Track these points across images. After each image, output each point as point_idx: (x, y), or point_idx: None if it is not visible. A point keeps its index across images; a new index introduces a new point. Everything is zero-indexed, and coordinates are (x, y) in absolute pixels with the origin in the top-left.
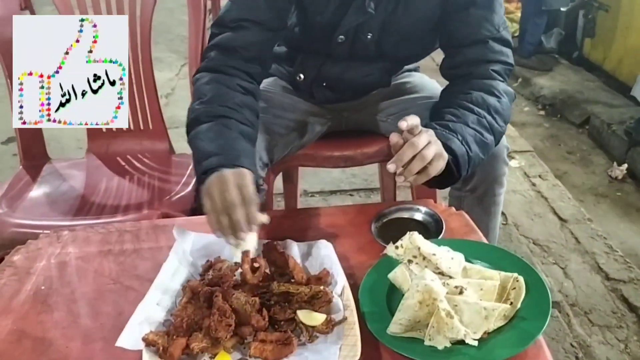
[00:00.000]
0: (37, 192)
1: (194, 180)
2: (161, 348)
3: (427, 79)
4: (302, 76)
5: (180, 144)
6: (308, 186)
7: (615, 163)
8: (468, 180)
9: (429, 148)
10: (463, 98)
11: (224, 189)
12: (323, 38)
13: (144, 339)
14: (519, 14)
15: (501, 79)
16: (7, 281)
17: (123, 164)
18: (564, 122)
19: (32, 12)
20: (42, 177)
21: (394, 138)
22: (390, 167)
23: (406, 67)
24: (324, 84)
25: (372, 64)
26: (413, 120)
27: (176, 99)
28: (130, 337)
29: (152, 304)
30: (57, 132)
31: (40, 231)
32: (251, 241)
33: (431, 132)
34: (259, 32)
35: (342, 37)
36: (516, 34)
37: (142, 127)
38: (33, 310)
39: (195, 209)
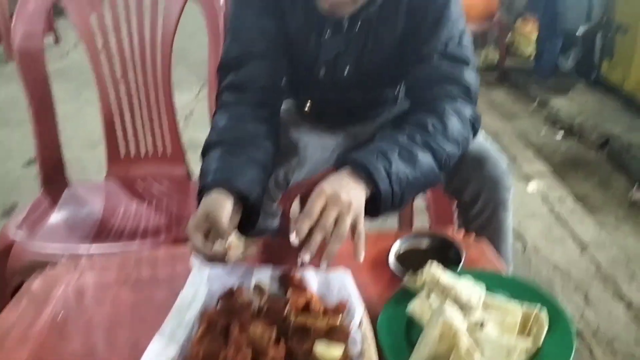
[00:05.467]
0: (56, 217)
1: None
2: None
3: None
4: (309, 104)
5: (199, 166)
6: None
7: (636, 186)
8: (470, 207)
9: (328, 213)
10: (399, 123)
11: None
12: (309, 72)
13: None
14: (535, 35)
15: (451, 100)
16: (24, 310)
17: (141, 188)
18: (583, 143)
19: (56, 35)
20: (62, 202)
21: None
22: (293, 241)
23: None
24: (331, 109)
25: (367, 85)
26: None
27: (195, 120)
28: None
29: (167, 336)
30: (78, 153)
31: (60, 255)
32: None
33: (324, 187)
34: (261, 63)
35: (322, 70)
36: (532, 56)
37: (160, 152)
38: (49, 340)
39: None
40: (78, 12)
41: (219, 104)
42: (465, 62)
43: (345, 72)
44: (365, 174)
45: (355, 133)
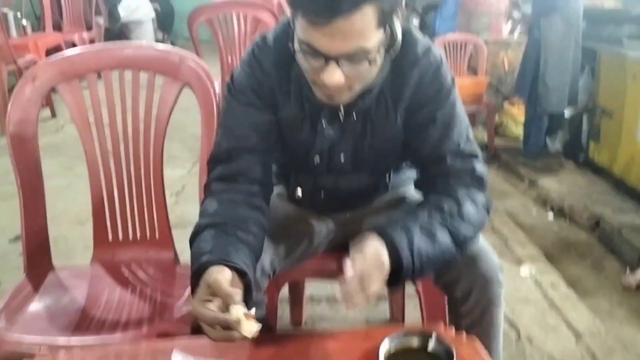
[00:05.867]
0: (37, 304)
1: None
2: None
3: None
4: (300, 191)
5: (188, 245)
6: (314, 290)
7: (628, 269)
8: (461, 304)
9: (371, 272)
10: (419, 205)
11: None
12: (303, 159)
13: None
14: (522, 117)
15: (465, 188)
16: None
17: (127, 274)
18: (574, 225)
19: (52, 109)
20: (45, 288)
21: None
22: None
23: (409, 175)
24: (322, 195)
25: (362, 172)
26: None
27: (186, 196)
28: None
29: None
30: (66, 230)
31: (38, 347)
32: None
33: (377, 244)
34: (252, 156)
35: (317, 158)
36: (521, 137)
37: (148, 236)
38: None
39: (197, 328)
40: (73, 95)
41: (208, 193)
42: (475, 155)
43: (341, 160)
44: (390, 248)
45: (345, 220)
